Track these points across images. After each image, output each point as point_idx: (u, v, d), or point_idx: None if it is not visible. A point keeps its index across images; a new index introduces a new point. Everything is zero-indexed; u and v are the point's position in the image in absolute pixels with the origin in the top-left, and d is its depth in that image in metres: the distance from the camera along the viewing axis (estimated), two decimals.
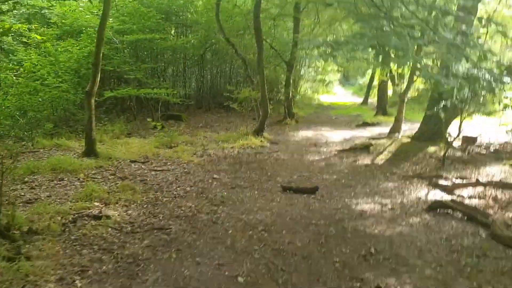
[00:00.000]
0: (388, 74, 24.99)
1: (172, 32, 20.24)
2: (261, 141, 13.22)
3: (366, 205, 7.40)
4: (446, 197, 7.87)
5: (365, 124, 19.26)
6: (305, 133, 15.99)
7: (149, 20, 16.49)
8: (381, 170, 10.10)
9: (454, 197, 7.84)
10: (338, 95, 40.84)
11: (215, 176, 8.84)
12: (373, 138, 14.71)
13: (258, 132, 13.76)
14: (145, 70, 15.99)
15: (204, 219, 6.32)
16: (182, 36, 20.05)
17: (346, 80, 51.73)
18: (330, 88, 40.39)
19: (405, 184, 8.88)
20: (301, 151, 12.35)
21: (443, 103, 11.92)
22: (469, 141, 13.49)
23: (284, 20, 19.91)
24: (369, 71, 36.94)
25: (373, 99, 33.16)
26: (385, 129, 18.10)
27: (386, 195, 8.02)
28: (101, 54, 9.93)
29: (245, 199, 7.44)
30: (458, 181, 8.97)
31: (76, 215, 5.97)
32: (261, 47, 13.35)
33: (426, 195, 8.08)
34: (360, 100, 36.37)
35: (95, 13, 14.88)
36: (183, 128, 15.42)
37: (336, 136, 15.41)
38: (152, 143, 11.73)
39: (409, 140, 12.67)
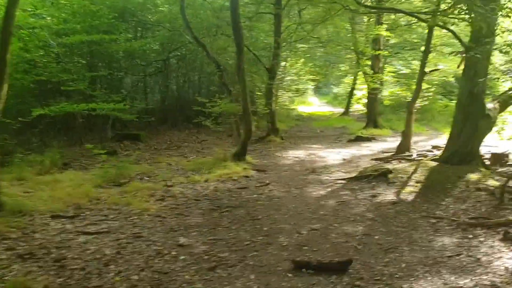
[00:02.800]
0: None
1: (129, 34, 17.00)
2: (244, 168, 10.10)
3: None
4: None
5: (359, 139, 16.47)
6: (295, 153, 12.95)
7: (99, 19, 13.24)
8: (419, 213, 7.11)
9: None
10: (314, 105, 38.19)
11: (181, 241, 5.62)
12: (381, 159, 11.80)
13: (239, 155, 10.64)
14: (93, 80, 12.74)
15: None
16: (141, 39, 16.80)
17: (319, 89, 49.12)
18: (306, 98, 37.62)
19: (469, 239, 5.89)
20: (298, 182, 9.28)
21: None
22: (499, 159, 10.75)
23: (262, 22, 16.93)
24: (347, 80, 34.68)
25: (353, 109, 30.87)
26: (385, 145, 15.34)
27: (456, 267, 4.99)
28: (7, 56, 6.61)
29: None
30: None
31: None
32: (241, 47, 10.27)
33: None
34: (338, 110, 33.95)
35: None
36: (142, 152, 12.14)
37: (333, 157, 12.44)
38: (94, 179, 8.44)
39: (435, 163, 9.75)
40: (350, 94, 30.58)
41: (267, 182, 9.11)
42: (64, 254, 5.08)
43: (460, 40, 10.33)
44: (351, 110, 29.72)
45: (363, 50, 19.08)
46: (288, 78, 24.06)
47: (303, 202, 7.79)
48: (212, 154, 11.82)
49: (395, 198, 8.00)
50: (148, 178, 9.13)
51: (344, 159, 12.11)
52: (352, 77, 28.62)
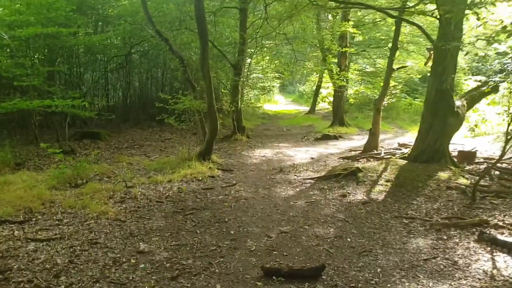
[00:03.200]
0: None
1: (89, 28, 16.28)
2: (209, 168, 9.69)
3: None
4: None
5: (326, 138, 16.28)
6: (262, 152, 12.62)
7: (55, 11, 12.50)
8: (391, 213, 6.91)
9: None
10: (280, 103, 38.00)
11: (141, 247, 5.19)
12: (349, 158, 11.63)
13: (204, 155, 10.21)
14: (50, 75, 12.03)
15: None
16: (101, 33, 16.09)
17: (284, 87, 49.13)
18: (272, 96, 37.42)
19: (444, 241, 5.71)
20: (266, 182, 8.95)
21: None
22: (466, 157, 10.73)
23: (227, 17, 16.50)
24: (313, 78, 34.61)
25: (319, 107, 30.83)
26: (352, 143, 15.23)
27: (433, 271, 4.77)
28: None
29: None
30: None
31: None
32: (206, 41, 9.82)
33: (494, 267, 4.91)
34: (304, 108, 33.85)
35: None
36: (101, 151, 11.54)
37: (301, 156, 12.17)
38: (49, 180, 7.85)
39: (405, 162, 9.61)
40: (316, 93, 30.52)
41: (234, 182, 8.75)
42: (10, 264, 4.57)
43: (428, 36, 10.24)
44: (317, 108, 29.70)
45: (329, 47, 18.91)
46: (254, 75, 23.75)
47: (272, 203, 7.46)
48: (176, 153, 11.35)
49: (365, 197, 7.77)
50: (107, 179, 8.60)
51: (312, 158, 11.87)
52: (318, 75, 28.50)
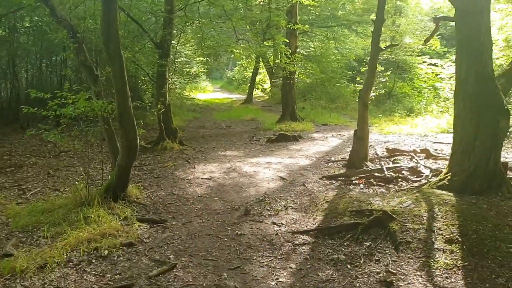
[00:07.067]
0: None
1: None
2: (125, 218, 5.51)
3: None
4: None
5: (282, 138, 12.55)
6: (206, 170, 8.55)
7: None
8: None
9: None
10: (208, 91, 33.80)
11: None
12: (337, 178, 7.91)
13: (115, 190, 5.98)
14: None
15: None
16: None
17: (210, 73, 44.74)
18: (198, 83, 32.75)
19: None
20: (229, 249, 4.92)
21: None
22: None
23: None
24: (244, 62, 30.66)
25: (254, 96, 27.04)
26: (318, 147, 11.53)
27: None
28: None
29: None
30: None
31: None
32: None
33: None
34: (236, 96, 30.06)
35: None
36: None
37: (264, 174, 8.30)
38: None
39: (448, 194, 5.92)
40: (253, 79, 26.69)
41: (171, 259, 4.61)
42: None
43: None
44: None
45: (278, 23, 14.97)
46: (179, 59, 19.24)
47: None
48: (70, 182, 7.00)
49: (429, 286, 4.04)
50: None
51: (282, 178, 7.99)
52: (254, 59, 24.58)
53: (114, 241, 4.78)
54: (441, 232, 4.87)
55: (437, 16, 8.22)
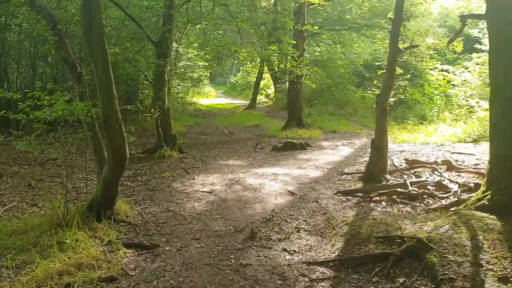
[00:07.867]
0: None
1: None
2: (108, 243, 4.63)
3: None
4: None
5: (289, 147, 11.67)
6: (206, 182, 7.68)
7: None
8: None
9: None
10: (211, 96, 33.06)
11: None
12: (353, 194, 7.03)
13: (100, 208, 5.11)
14: None
15: None
16: None
17: (213, 78, 43.93)
18: (201, 88, 31.94)
19: None
20: (234, 287, 4.03)
21: None
22: None
23: None
24: (247, 67, 29.90)
25: (257, 102, 26.20)
26: (329, 156, 10.63)
27: None
28: None
29: None
30: None
31: None
32: None
33: None
34: (239, 101, 29.27)
35: None
36: None
37: (270, 187, 7.44)
38: None
39: (490, 217, 5.04)
40: (257, 84, 25.87)
41: None
42: None
43: None
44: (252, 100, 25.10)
45: (285, 24, 14.12)
46: (182, 63, 18.39)
47: None
48: (52, 196, 6.14)
49: None
50: None
51: (291, 193, 7.12)
52: (259, 64, 23.75)
53: (92, 275, 3.90)
54: (491, 267, 3.98)
55: (464, 14, 7.40)
